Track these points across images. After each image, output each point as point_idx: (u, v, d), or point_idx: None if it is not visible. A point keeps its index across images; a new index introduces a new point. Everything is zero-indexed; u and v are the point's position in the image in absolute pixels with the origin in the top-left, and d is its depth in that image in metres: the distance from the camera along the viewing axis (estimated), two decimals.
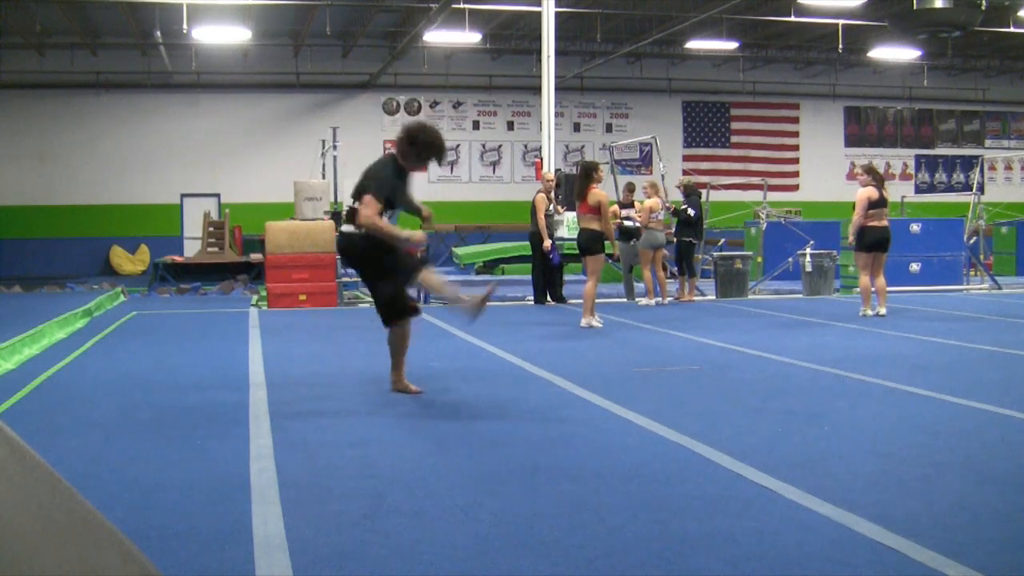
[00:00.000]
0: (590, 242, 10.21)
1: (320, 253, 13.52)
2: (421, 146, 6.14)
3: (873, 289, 11.06)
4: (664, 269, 13.53)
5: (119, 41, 21.97)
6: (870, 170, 11.13)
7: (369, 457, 4.62)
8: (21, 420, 5.42)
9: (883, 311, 10.93)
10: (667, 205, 14.07)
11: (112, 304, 13.82)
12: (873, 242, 10.90)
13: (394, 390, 6.35)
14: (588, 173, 10.33)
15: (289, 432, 5.18)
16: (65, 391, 6.65)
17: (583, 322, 10.22)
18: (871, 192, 10.78)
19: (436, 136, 6.22)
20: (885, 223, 10.95)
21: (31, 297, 15.12)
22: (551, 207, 13.03)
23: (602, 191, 10.30)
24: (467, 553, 3.22)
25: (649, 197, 13.06)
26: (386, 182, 6.06)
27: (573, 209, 13.62)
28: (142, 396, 6.39)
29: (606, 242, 10.25)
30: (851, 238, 11.24)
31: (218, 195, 23.57)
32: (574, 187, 10.74)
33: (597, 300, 10.61)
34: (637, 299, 13.29)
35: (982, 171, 21.86)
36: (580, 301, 10.93)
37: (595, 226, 10.14)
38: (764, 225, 17.72)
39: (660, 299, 12.95)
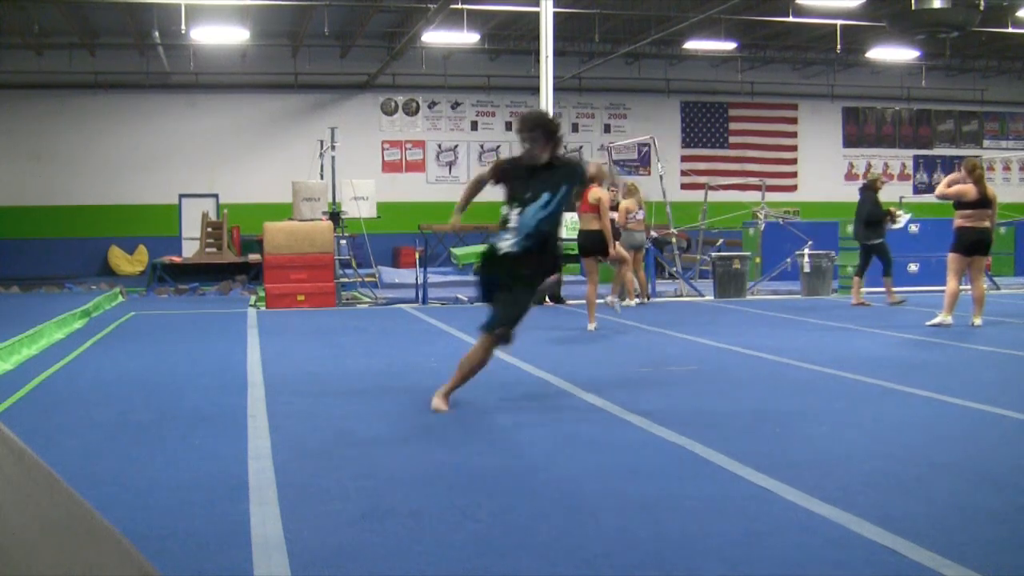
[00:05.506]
0: (596, 244, 10.21)
1: (318, 254, 13.52)
2: None
3: (964, 291, 9.85)
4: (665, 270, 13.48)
5: (117, 41, 21.94)
6: (971, 168, 10.19)
7: (367, 457, 4.62)
8: (19, 420, 5.42)
9: (978, 321, 10.19)
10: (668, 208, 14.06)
11: (110, 304, 13.82)
12: (971, 243, 10.19)
13: None
14: None
15: (287, 432, 5.18)
16: (63, 392, 6.64)
17: (609, 300, 10.91)
18: (967, 189, 10.02)
19: None
20: (986, 224, 10.23)
21: (29, 297, 15.11)
22: None
23: (602, 190, 10.32)
24: (466, 553, 3.21)
25: (625, 198, 13.08)
26: None
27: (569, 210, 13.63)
28: (140, 396, 6.38)
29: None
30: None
31: (216, 195, 23.54)
32: None
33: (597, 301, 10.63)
34: (627, 300, 13.29)
35: None
36: (580, 302, 10.94)
37: (596, 226, 10.17)
38: (762, 225, 17.72)
39: (628, 300, 12.92)
